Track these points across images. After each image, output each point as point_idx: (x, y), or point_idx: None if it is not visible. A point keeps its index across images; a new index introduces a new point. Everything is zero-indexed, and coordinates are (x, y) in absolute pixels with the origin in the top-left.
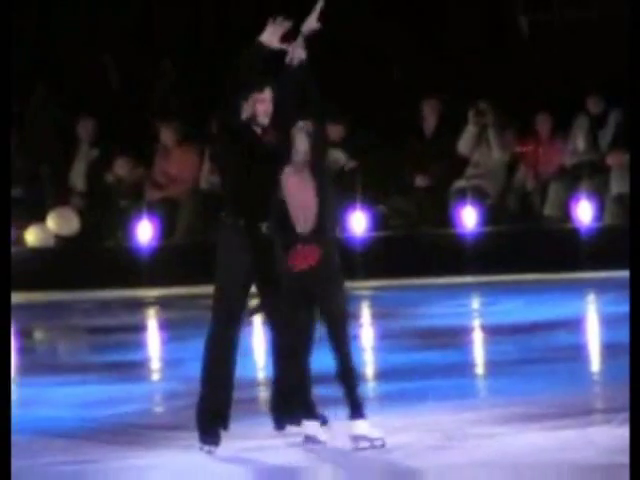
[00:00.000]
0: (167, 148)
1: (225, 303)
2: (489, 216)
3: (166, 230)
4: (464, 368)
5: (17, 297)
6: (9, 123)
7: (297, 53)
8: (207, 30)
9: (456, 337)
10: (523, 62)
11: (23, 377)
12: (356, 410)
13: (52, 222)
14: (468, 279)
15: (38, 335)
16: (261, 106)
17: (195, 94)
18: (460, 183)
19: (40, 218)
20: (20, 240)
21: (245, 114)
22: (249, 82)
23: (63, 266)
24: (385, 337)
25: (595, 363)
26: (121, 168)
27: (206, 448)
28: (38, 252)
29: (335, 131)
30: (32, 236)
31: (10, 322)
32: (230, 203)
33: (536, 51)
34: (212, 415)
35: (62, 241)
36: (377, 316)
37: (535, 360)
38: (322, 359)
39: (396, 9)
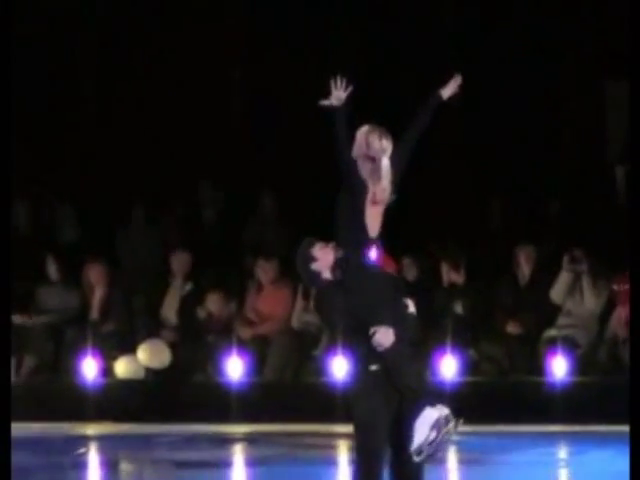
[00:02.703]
0: (260, 285)
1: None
2: (579, 366)
3: (257, 367)
4: None
5: (105, 428)
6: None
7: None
8: (306, 163)
9: None
10: (619, 210)
11: None
12: None
13: (143, 354)
14: (556, 428)
15: (124, 466)
16: None
17: (293, 229)
18: (551, 332)
19: (131, 350)
20: (110, 371)
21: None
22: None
23: (152, 398)
24: None
25: None
26: (213, 303)
27: None
28: (128, 384)
29: (457, 276)
30: (122, 367)
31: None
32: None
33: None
34: None
35: (152, 373)
36: (464, 462)
37: None
38: None
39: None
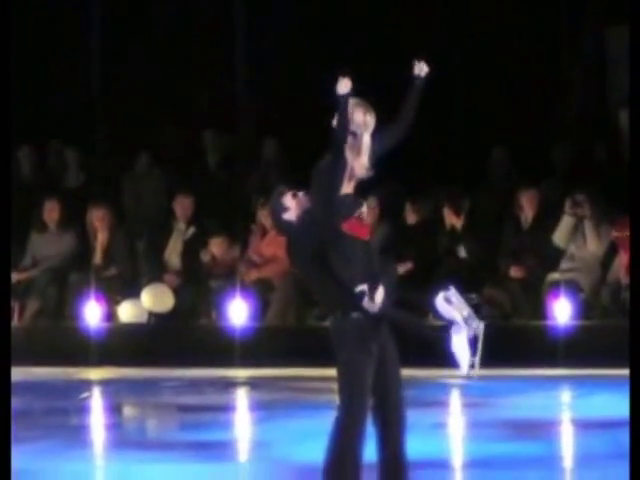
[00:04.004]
0: (264, 228)
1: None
2: (582, 310)
3: (260, 311)
4: (552, 461)
5: (109, 372)
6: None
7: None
8: (309, 109)
9: (546, 429)
10: (622, 154)
11: (111, 452)
12: None
13: (146, 298)
14: (559, 372)
15: (128, 411)
16: None
17: (296, 175)
18: (554, 276)
19: (134, 294)
20: (114, 315)
21: None
22: None
23: (155, 343)
24: (474, 427)
25: None
26: (217, 247)
27: None
28: (131, 328)
29: (457, 220)
30: (126, 311)
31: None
32: None
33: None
34: None
35: (155, 318)
36: (467, 405)
37: (625, 456)
38: None
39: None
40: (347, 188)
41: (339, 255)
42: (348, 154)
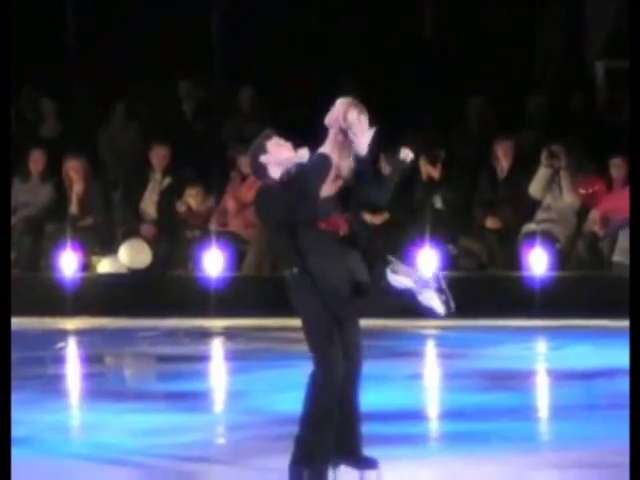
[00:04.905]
0: (244, 176)
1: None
2: (558, 261)
3: (236, 261)
4: (528, 411)
5: (85, 322)
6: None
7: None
8: (286, 59)
9: (521, 380)
10: (598, 107)
11: (88, 402)
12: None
13: (124, 255)
14: (535, 322)
15: (105, 361)
16: None
17: (273, 122)
18: (530, 227)
19: (110, 244)
20: (89, 266)
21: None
22: None
23: (131, 293)
24: (450, 377)
25: None
26: (192, 198)
27: None
28: (107, 278)
29: (433, 171)
30: (104, 268)
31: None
32: None
33: (611, 96)
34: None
35: (131, 268)
36: (443, 356)
37: (600, 406)
38: None
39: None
40: (330, 189)
41: (315, 248)
42: (336, 153)
